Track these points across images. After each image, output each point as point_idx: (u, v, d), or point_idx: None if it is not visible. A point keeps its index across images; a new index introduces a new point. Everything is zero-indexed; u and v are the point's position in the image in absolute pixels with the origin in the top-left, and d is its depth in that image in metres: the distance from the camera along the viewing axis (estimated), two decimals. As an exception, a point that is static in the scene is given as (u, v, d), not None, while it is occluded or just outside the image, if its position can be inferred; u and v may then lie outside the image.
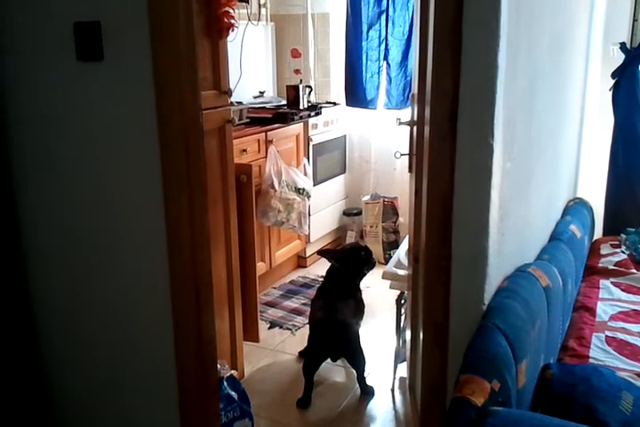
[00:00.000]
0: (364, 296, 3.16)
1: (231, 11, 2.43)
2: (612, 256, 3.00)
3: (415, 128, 2.18)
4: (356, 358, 2.78)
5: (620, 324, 2.34)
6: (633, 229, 3.15)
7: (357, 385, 2.82)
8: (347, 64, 4.68)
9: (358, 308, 3.05)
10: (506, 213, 1.84)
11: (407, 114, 2.48)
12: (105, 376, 2.09)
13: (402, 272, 2.64)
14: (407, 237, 2.68)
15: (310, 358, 2.82)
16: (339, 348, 2.77)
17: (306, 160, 4.08)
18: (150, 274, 1.93)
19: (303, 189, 3.81)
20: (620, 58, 3.41)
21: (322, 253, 3.20)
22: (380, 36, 4.54)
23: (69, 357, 2.12)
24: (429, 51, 1.77)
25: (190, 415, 2.00)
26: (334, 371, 3.00)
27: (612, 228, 3.45)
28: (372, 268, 3.11)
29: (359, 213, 4.72)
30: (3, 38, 1.89)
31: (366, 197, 4.66)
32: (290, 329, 3.44)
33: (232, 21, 2.45)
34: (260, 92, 4.46)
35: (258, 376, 2.96)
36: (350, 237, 4.67)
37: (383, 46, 4.55)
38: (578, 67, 3.20)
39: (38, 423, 2.16)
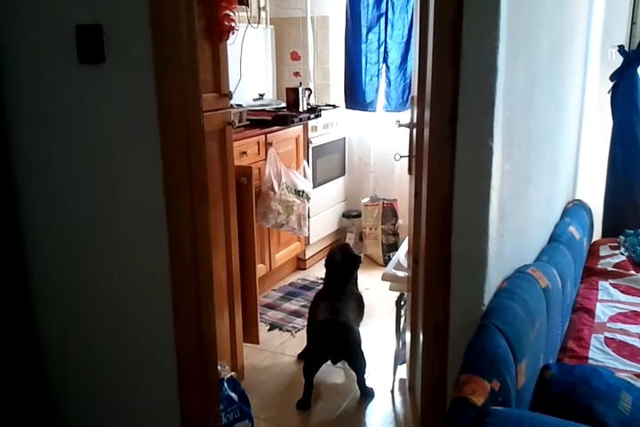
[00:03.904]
0: (364, 298, 3.17)
1: (231, 14, 2.44)
2: (611, 258, 3.01)
3: (415, 130, 2.19)
4: (356, 361, 2.78)
5: (619, 325, 2.35)
6: (632, 231, 3.16)
7: (357, 387, 2.82)
8: (346, 67, 4.69)
9: (359, 305, 3.07)
10: (505, 215, 1.85)
11: (406, 116, 2.49)
12: (105, 377, 2.09)
13: (401, 274, 2.65)
14: (407, 238, 2.69)
15: (310, 359, 2.82)
16: (340, 350, 2.78)
17: (305, 162, 4.09)
18: (151, 275, 1.93)
19: (303, 192, 3.82)
20: (618, 60, 3.42)
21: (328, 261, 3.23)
22: (379, 39, 4.56)
23: (70, 357, 2.12)
24: (429, 53, 1.78)
25: (191, 416, 2.01)
26: (334, 373, 3.00)
27: (610, 229, 3.45)
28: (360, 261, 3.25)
29: (358, 216, 4.72)
30: (4, 41, 1.90)
31: (366, 200, 4.67)
32: (290, 331, 3.44)
33: (232, 24, 2.46)
34: (260, 95, 4.47)
35: (258, 378, 2.97)
36: (350, 240, 4.67)
37: (382, 49, 4.56)
38: (577, 69, 3.21)
39: (39, 423, 2.16)
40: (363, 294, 3.19)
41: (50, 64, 1.88)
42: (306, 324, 3.20)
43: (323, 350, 2.79)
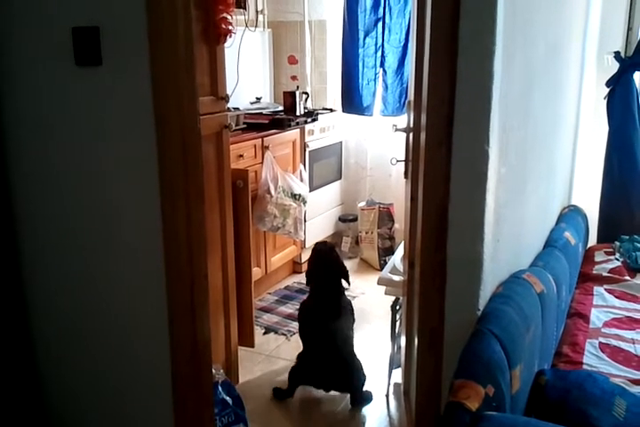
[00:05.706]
0: (359, 303, 3.16)
1: (229, 17, 2.44)
2: (606, 263, 3.01)
3: (411, 134, 2.19)
4: (357, 395, 2.73)
5: (614, 330, 2.35)
6: (627, 237, 3.17)
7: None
8: (343, 71, 4.70)
9: (351, 313, 3.01)
10: (501, 219, 1.85)
11: (403, 120, 2.49)
12: (100, 379, 2.08)
13: (397, 278, 2.64)
14: (402, 243, 2.69)
15: (304, 380, 2.77)
16: (341, 386, 2.73)
17: (302, 166, 4.09)
18: (147, 278, 1.93)
19: (299, 195, 3.82)
20: (614, 66, 3.44)
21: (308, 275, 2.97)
22: (376, 44, 4.57)
23: (65, 360, 2.11)
24: (426, 58, 1.79)
25: (185, 420, 2.00)
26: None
27: (606, 235, 3.46)
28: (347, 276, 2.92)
29: (355, 220, 4.72)
30: (1, 43, 1.90)
31: (362, 204, 4.67)
32: (285, 335, 3.44)
33: (230, 27, 2.46)
34: (257, 98, 4.47)
35: (253, 381, 2.96)
36: (346, 243, 4.68)
37: (379, 53, 4.57)
38: (573, 75, 3.22)
39: (34, 425, 2.15)
40: (358, 299, 3.18)
41: (47, 66, 1.88)
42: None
43: (322, 381, 2.73)
